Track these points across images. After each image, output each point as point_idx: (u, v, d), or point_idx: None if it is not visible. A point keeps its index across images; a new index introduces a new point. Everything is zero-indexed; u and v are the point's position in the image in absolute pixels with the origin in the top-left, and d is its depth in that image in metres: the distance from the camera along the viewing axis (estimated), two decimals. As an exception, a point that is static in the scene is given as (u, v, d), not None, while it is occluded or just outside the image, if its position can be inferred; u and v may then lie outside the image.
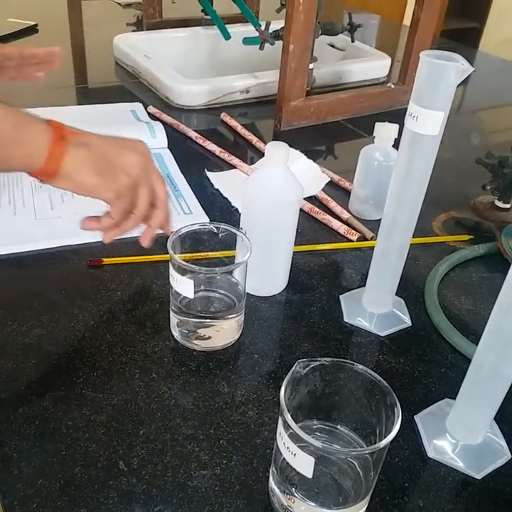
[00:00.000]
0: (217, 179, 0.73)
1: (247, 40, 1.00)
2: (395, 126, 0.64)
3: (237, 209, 0.67)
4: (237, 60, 1.17)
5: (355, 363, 0.36)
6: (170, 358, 0.48)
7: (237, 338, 0.50)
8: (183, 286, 0.45)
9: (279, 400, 0.33)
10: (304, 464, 0.32)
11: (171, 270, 0.46)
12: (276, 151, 0.49)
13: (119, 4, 1.46)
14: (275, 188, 0.50)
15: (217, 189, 0.71)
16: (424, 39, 0.93)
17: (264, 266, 0.53)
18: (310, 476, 0.32)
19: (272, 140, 0.86)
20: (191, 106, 0.92)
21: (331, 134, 0.90)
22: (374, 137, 0.66)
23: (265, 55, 1.08)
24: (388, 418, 0.34)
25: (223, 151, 0.78)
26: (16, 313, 0.50)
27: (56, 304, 0.52)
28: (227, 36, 1.11)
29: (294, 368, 0.35)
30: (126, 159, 0.47)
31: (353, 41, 1.01)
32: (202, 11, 1.16)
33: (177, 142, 0.80)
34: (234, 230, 0.49)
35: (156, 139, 0.78)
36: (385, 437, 0.32)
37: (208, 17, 1.16)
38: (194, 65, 1.16)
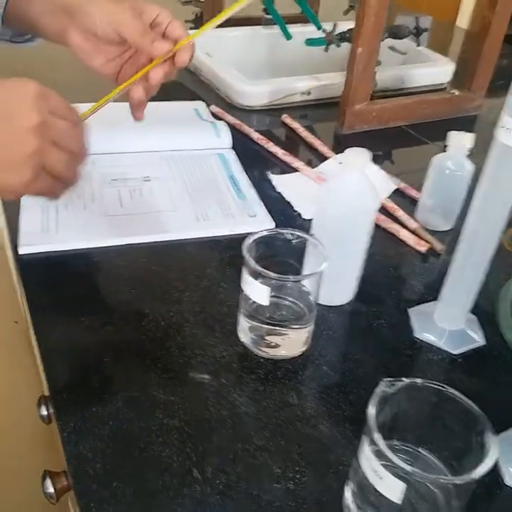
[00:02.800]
0: (280, 182, 0.72)
1: (310, 41, 0.99)
2: (470, 136, 0.62)
3: (299, 214, 0.67)
4: (295, 60, 1.16)
5: (445, 386, 0.34)
6: (238, 364, 0.47)
7: (306, 348, 0.49)
8: (256, 292, 0.45)
9: (368, 419, 0.32)
10: (391, 489, 0.31)
11: (245, 274, 0.46)
12: (356, 157, 0.48)
13: (179, 0, 1.47)
14: (353, 195, 0.48)
15: (279, 192, 0.70)
16: (494, 45, 0.90)
17: (335, 275, 0.51)
18: (399, 501, 0.31)
19: (334, 143, 0.85)
20: (252, 106, 0.91)
21: (393, 140, 0.88)
22: (445, 145, 0.64)
23: (325, 57, 1.07)
24: (480, 447, 0.32)
25: (286, 153, 0.77)
26: (86, 310, 0.51)
27: (126, 302, 0.52)
28: (288, 36, 1.10)
29: (380, 387, 0.34)
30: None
31: (418, 46, 0.99)
32: (263, 10, 1.16)
33: (239, 143, 0.79)
34: (309, 238, 0.48)
35: (221, 139, 0.77)
36: (475, 467, 0.31)
37: (269, 16, 1.15)
38: (252, 64, 1.15)
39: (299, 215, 0.66)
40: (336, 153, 0.79)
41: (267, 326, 0.47)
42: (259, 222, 0.64)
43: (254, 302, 0.47)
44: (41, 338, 0.48)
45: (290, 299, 0.49)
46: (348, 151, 0.49)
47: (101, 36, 0.51)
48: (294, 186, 0.71)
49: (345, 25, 1.00)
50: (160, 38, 0.52)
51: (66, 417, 0.42)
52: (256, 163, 0.78)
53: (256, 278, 0.45)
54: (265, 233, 0.48)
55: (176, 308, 0.52)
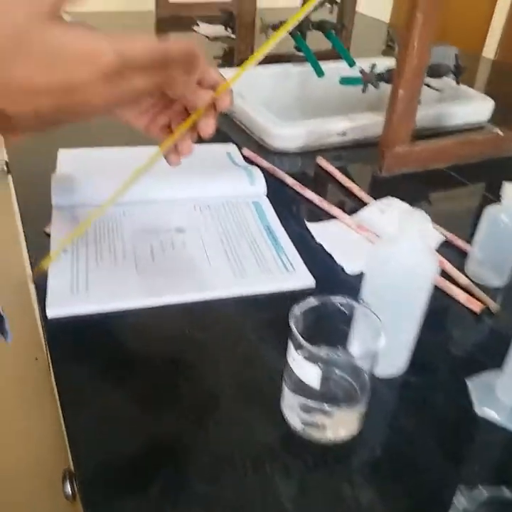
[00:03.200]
0: (319, 232, 0.68)
1: (345, 80, 0.96)
2: (527, 187, 0.57)
3: (342, 268, 0.63)
4: (327, 99, 1.14)
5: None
6: (283, 448, 0.43)
7: (358, 430, 0.44)
8: (306, 372, 0.41)
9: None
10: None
11: (291, 349, 0.42)
12: (413, 220, 0.44)
13: (207, 37, 1.46)
14: (411, 263, 0.44)
15: (319, 244, 0.66)
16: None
17: (387, 345, 0.47)
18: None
19: (371, 187, 0.82)
20: (286, 149, 0.88)
21: (434, 183, 0.84)
22: (500, 196, 0.59)
23: (359, 96, 1.04)
24: None
25: (322, 199, 0.74)
26: (117, 382, 0.47)
27: (159, 372, 0.48)
28: (320, 73, 1.07)
29: (457, 498, 0.29)
30: None
31: (458, 84, 0.96)
32: (295, 47, 1.14)
33: (273, 188, 0.76)
34: (359, 305, 0.44)
35: (255, 187, 0.74)
36: None
37: (301, 53, 1.13)
38: (282, 103, 1.13)
39: (342, 269, 0.62)
40: (375, 198, 0.75)
41: (315, 405, 0.43)
42: (299, 278, 0.60)
43: (301, 380, 0.42)
44: (70, 415, 0.44)
45: (341, 374, 0.45)
46: (404, 213, 0.45)
47: None
48: (334, 236, 0.67)
49: (382, 62, 0.97)
50: (197, 87, 0.49)
51: (95, 507, 0.38)
52: (291, 210, 0.74)
53: (305, 355, 0.41)
54: (314, 302, 0.44)
55: (213, 379, 0.48)
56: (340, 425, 0.43)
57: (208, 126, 0.48)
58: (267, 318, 0.55)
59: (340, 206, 0.73)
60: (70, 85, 0.34)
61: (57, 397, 0.47)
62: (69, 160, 0.78)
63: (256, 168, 0.78)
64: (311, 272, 0.61)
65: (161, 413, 0.45)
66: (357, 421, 0.44)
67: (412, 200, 0.74)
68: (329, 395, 0.42)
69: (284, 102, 1.14)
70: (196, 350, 0.51)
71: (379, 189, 0.79)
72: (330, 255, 0.64)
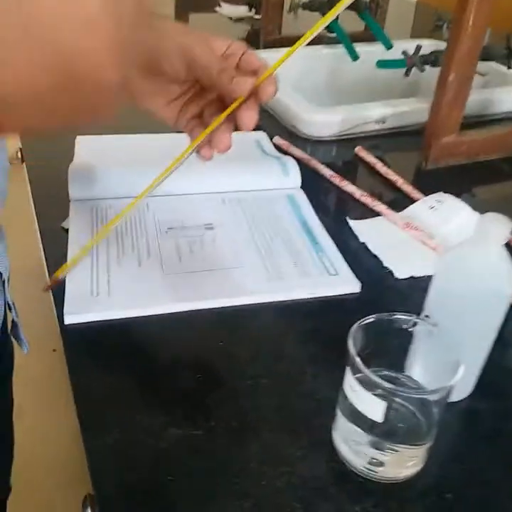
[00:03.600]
0: (362, 230, 0.62)
1: (383, 64, 0.89)
2: None
3: (390, 271, 0.56)
4: (361, 84, 1.06)
5: None
6: (337, 488, 0.37)
7: (421, 466, 0.38)
8: (367, 403, 0.34)
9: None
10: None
11: (349, 376, 0.35)
12: (495, 227, 0.37)
13: (230, 18, 1.39)
14: (489, 275, 0.38)
15: (363, 243, 0.60)
16: None
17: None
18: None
19: (415, 180, 0.75)
20: (320, 137, 0.82)
21: (486, 176, 0.77)
22: None
23: (398, 81, 0.97)
24: None
25: (364, 194, 0.67)
26: (143, 404, 0.41)
27: (190, 393, 0.42)
28: (354, 56, 1.00)
29: None
30: None
31: (510, 68, 0.88)
32: (326, 28, 1.06)
33: (308, 181, 0.70)
34: (427, 324, 0.38)
35: (289, 178, 0.68)
36: None
37: (333, 34, 1.05)
38: (312, 88, 1.06)
39: (390, 273, 0.56)
40: (422, 192, 0.68)
41: (375, 441, 0.37)
42: (342, 283, 0.54)
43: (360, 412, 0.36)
44: (89, 440, 0.39)
45: (407, 405, 0.38)
46: (484, 217, 0.38)
47: (170, 74, 0.42)
48: (380, 235, 0.61)
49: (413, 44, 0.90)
50: (236, 73, 0.43)
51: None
52: (330, 205, 0.68)
53: (364, 384, 0.34)
54: (372, 319, 0.37)
55: (251, 403, 0.42)
56: (402, 462, 0.37)
57: (250, 118, 0.42)
58: (309, 329, 0.49)
59: (384, 201, 0.66)
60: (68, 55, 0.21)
61: (75, 414, 0.41)
62: (87, 148, 0.72)
63: (289, 158, 0.71)
64: (355, 275, 0.55)
65: (189, 439, 0.39)
66: (422, 458, 0.38)
67: (461, 195, 0.67)
68: (391, 429, 0.36)
69: (314, 86, 1.07)
70: (229, 365, 0.45)
71: (424, 182, 0.72)
72: (375, 256, 0.58)
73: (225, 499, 0.36)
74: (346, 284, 0.54)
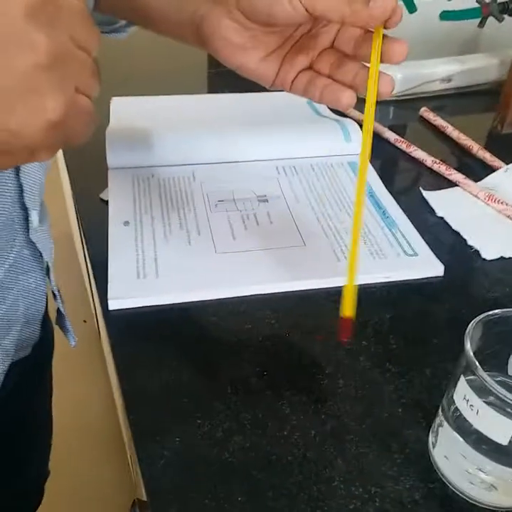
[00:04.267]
0: (439, 202, 0.54)
1: (448, 15, 0.79)
2: None
3: (477, 251, 0.49)
4: (416, 39, 0.96)
5: None
6: (440, 515, 0.31)
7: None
8: (488, 421, 0.28)
9: None
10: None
11: (463, 384, 0.29)
12: None
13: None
14: None
15: (441, 217, 0.52)
16: None
17: None
18: None
19: (488, 145, 0.66)
20: (378, 97, 0.73)
21: None
22: None
23: (460, 35, 0.87)
24: None
25: (437, 161, 0.59)
26: (203, 405, 0.36)
27: (256, 394, 0.36)
28: (412, 8, 0.90)
29: None
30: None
31: None
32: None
33: (371, 146, 0.62)
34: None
35: (351, 143, 0.60)
36: None
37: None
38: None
39: (477, 252, 0.49)
40: (502, 160, 0.60)
41: (487, 459, 0.30)
42: (423, 265, 0.47)
43: (460, 413, 0.30)
44: (143, 450, 0.33)
45: None
46: None
47: (282, 18, 0.33)
48: (460, 208, 0.53)
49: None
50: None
51: None
52: (398, 174, 0.60)
53: (480, 393, 0.28)
54: (495, 315, 0.30)
55: (329, 408, 0.36)
56: (518, 488, 0.31)
57: (401, 46, 0.33)
58: (387, 319, 0.42)
59: (460, 169, 0.58)
60: None
61: (127, 427, 0.36)
62: (124, 110, 0.65)
63: (350, 120, 0.63)
64: (436, 255, 0.48)
65: (257, 449, 0.33)
66: (545, 483, 0.31)
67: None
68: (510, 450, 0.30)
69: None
70: (301, 364, 0.39)
71: (500, 148, 0.64)
72: (457, 234, 0.51)
73: (306, 526, 0.30)
74: (427, 266, 0.47)
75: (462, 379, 0.29)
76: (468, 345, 0.28)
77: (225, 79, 0.81)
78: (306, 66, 0.37)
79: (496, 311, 0.30)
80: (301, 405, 0.36)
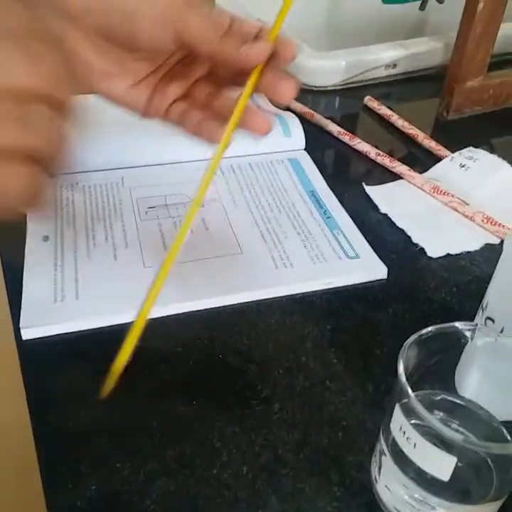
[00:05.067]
0: (382, 198, 0.51)
1: (390, -2, 0.77)
2: None
3: (422, 249, 0.46)
4: (360, 25, 0.93)
5: None
6: (384, 555, 0.28)
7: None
8: (428, 457, 0.25)
9: None
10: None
11: (400, 416, 0.26)
12: None
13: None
14: None
15: (384, 214, 0.50)
16: None
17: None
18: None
19: (435, 132, 0.64)
20: (322, 86, 0.70)
21: (515, 125, 0.66)
22: None
23: (405, 18, 0.85)
24: None
25: (381, 153, 0.56)
26: (124, 444, 0.32)
27: (183, 425, 0.33)
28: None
29: None
30: None
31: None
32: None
33: (314, 140, 0.59)
34: (492, 331, 0.28)
35: (291, 139, 0.57)
36: None
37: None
38: (307, 31, 0.93)
39: (423, 250, 0.46)
40: (447, 148, 0.57)
41: (428, 494, 0.27)
42: (365, 268, 0.44)
43: (392, 436, 0.27)
44: (51, 495, 0.30)
45: (479, 454, 0.29)
46: None
47: (148, 46, 0.31)
48: (404, 203, 0.50)
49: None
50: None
51: None
52: (340, 169, 0.57)
53: (422, 427, 0.25)
54: (430, 332, 0.27)
55: (264, 437, 0.33)
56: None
57: (288, 88, 0.31)
58: (328, 331, 0.39)
59: (404, 161, 0.55)
60: None
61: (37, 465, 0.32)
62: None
63: (290, 114, 0.60)
64: (379, 255, 0.45)
65: (181, 492, 0.30)
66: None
67: (494, 150, 0.57)
68: (455, 485, 0.27)
69: (310, 29, 0.94)
70: (234, 386, 0.35)
71: (446, 136, 0.61)
72: (401, 231, 0.48)
73: None
74: (370, 269, 0.44)
75: (397, 408, 0.26)
76: (400, 369, 0.25)
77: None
78: (180, 96, 0.35)
79: (429, 328, 0.27)
80: (233, 437, 0.32)
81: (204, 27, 0.30)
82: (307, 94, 0.69)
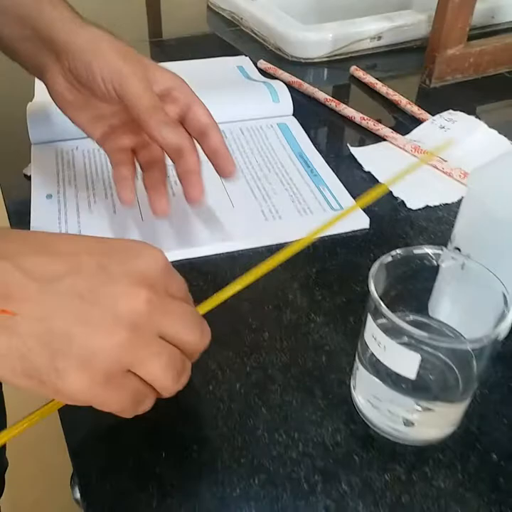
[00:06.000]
0: (366, 157, 0.54)
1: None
2: None
3: (402, 202, 0.49)
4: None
5: None
6: (362, 455, 0.31)
7: (459, 424, 0.33)
8: (396, 356, 0.28)
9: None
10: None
11: (371, 324, 0.29)
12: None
13: None
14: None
15: (368, 172, 0.53)
16: None
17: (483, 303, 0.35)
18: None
19: (419, 99, 0.67)
20: (310, 58, 0.73)
21: (498, 91, 0.69)
22: None
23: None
24: None
25: (365, 117, 0.59)
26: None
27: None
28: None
29: None
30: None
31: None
32: None
33: (302, 107, 0.62)
34: (457, 257, 0.32)
35: (280, 104, 0.60)
36: None
37: None
38: (295, 6, 0.96)
39: (403, 203, 0.49)
40: (429, 113, 0.60)
41: (402, 395, 0.31)
42: (349, 219, 0.47)
43: (372, 354, 0.30)
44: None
45: (442, 357, 0.32)
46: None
47: (97, 93, 0.38)
48: (386, 162, 0.54)
49: None
50: (168, 118, 0.38)
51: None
52: (327, 132, 0.60)
53: (390, 333, 0.28)
54: (396, 254, 0.31)
55: (255, 360, 0.36)
56: (436, 422, 0.32)
57: (195, 185, 0.41)
58: (315, 274, 0.43)
59: (388, 124, 0.58)
60: None
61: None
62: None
63: (278, 82, 0.62)
64: (362, 209, 0.48)
65: (185, 405, 0.33)
66: (461, 414, 0.32)
67: (473, 113, 0.60)
68: (423, 384, 0.30)
69: (299, 3, 0.96)
70: (229, 321, 0.39)
71: (429, 102, 0.64)
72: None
73: (230, 476, 0.30)
74: (353, 219, 0.47)
75: (370, 318, 0.29)
76: (371, 286, 0.28)
77: (164, 49, 0.80)
78: (128, 148, 0.41)
79: (398, 250, 0.30)
80: (227, 360, 0.36)
81: (141, 96, 0.36)
82: (295, 65, 0.72)
